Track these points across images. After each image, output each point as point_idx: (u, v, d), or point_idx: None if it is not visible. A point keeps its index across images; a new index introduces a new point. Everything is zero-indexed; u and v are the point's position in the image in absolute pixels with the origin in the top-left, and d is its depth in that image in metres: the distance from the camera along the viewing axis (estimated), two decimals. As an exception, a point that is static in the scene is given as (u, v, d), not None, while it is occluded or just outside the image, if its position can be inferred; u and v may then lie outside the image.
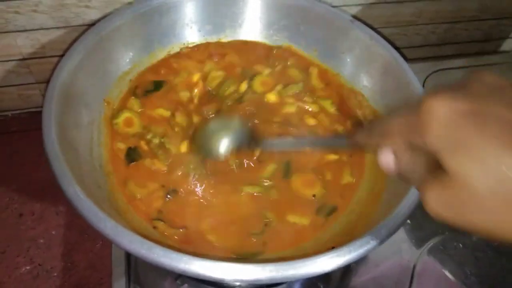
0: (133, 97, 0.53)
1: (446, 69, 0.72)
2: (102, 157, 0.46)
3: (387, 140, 0.28)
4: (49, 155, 0.37)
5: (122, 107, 0.52)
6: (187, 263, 0.32)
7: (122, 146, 0.49)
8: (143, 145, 0.49)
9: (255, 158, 0.48)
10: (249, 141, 0.46)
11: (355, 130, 0.33)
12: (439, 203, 0.24)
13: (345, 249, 0.34)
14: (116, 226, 0.33)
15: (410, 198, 0.38)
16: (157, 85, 0.54)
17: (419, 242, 0.53)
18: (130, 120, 0.51)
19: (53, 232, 0.55)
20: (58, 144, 0.38)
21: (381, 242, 0.35)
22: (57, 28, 0.57)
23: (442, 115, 0.24)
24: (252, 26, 0.59)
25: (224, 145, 0.45)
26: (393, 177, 0.29)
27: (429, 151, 0.25)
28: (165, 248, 0.32)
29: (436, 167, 0.24)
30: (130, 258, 0.48)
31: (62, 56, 0.47)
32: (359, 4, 0.66)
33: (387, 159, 0.28)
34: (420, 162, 0.26)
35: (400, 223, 0.37)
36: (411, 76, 0.48)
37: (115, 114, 0.51)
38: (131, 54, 0.54)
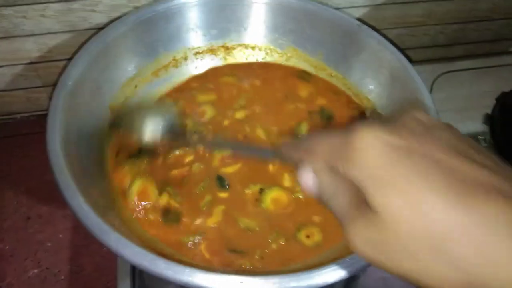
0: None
1: (455, 71, 0.71)
2: (106, 165, 0.46)
3: (309, 157, 0.26)
4: (53, 166, 0.37)
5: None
6: (190, 275, 0.32)
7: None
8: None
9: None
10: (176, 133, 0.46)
11: (283, 142, 0.30)
12: (363, 241, 0.22)
13: (348, 260, 0.34)
14: (119, 238, 0.33)
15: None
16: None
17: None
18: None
19: (61, 236, 0.55)
20: (62, 154, 0.38)
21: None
22: (64, 32, 0.58)
23: (373, 148, 0.22)
24: (257, 30, 0.59)
25: (151, 130, 0.44)
26: (314, 199, 0.27)
27: (352, 181, 0.23)
28: (168, 261, 0.32)
29: (359, 199, 0.23)
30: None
31: (69, 59, 0.47)
32: (367, 5, 0.66)
33: (306, 177, 0.26)
34: (342, 189, 0.24)
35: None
36: (419, 82, 0.47)
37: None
38: (136, 59, 0.54)
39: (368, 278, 0.51)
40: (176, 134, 0.46)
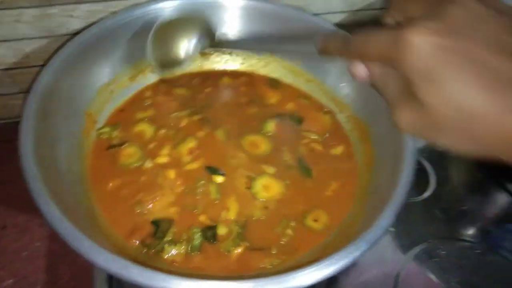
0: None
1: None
2: (82, 171, 0.46)
3: (363, 58, 0.30)
4: (25, 173, 0.37)
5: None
6: (164, 281, 0.32)
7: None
8: None
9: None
10: (210, 40, 0.46)
11: (327, 39, 0.34)
12: (408, 123, 0.28)
13: (324, 263, 0.35)
14: (92, 245, 0.33)
15: (389, 213, 0.39)
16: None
17: (403, 250, 0.54)
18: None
19: (37, 244, 0.55)
20: (35, 161, 0.38)
21: (361, 255, 0.35)
22: (41, 38, 0.57)
23: (419, 48, 0.25)
24: (234, 36, 0.59)
25: (184, 48, 0.45)
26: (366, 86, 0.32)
27: (403, 76, 0.27)
28: (141, 267, 0.32)
29: (405, 89, 0.27)
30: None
31: (43, 65, 0.47)
32: (345, 11, 0.66)
33: (358, 69, 0.31)
34: (392, 80, 0.28)
35: (380, 235, 0.37)
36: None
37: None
38: (112, 65, 0.54)
39: (349, 283, 0.51)
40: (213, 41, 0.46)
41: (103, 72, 0.53)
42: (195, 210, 0.47)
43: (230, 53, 0.61)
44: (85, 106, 0.50)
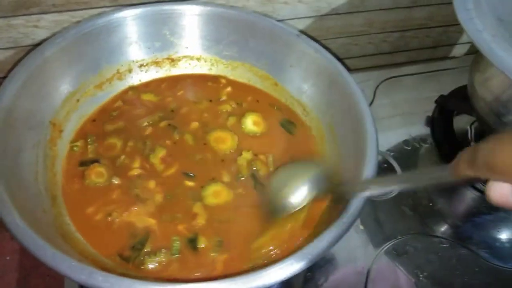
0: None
1: (397, 76, 0.74)
2: (47, 180, 0.46)
3: (498, 173, 0.24)
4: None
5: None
6: (129, 286, 0.32)
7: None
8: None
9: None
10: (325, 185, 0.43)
11: (455, 162, 0.27)
12: None
13: (287, 261, 0.35)
14: (55, 253, 0.33)
15: (353, 206, 0.39)
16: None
17: (373, 247, 0.55)
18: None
19: (8, 258, 0.54)
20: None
21: (323, 252, 0.36)
22: (6, 49, 0.57)
23: None
24: (201, 42, 0.60)
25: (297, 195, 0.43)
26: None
27: None
28: (105, 273, 0.32)
29: None
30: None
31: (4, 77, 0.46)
32: (311, 16, 0.68)
33: (500, 190, 0.24)
34: None
35: (342, 232, 0.38)
36: (355, 87, 0.49)
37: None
38: (77, 73, 0.53)
39: (323, 280, 0.52)
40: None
41: (68, 81, 0.53)
42: (175, 221, 0.47)
43: (198, 59, 0.61)
44: (50, 116, 0.50)
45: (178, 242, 0.45)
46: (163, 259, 0.43)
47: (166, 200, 0.48)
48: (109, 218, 0.46)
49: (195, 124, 0.55)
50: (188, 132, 0.54)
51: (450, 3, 0.50)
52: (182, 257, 0.44)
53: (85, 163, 0.50)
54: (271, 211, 0.46)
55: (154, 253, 0.44)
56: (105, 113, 0.55)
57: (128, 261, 0.43)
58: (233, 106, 0.58)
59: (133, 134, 0.53)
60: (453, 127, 0.66)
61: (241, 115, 0.56)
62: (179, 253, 0.44)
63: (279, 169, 0.50)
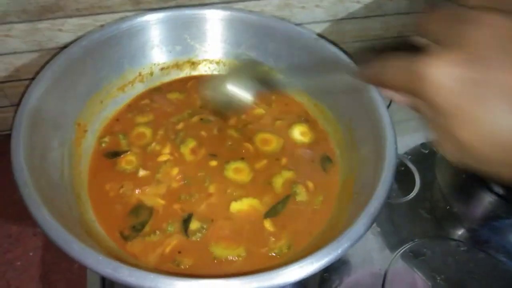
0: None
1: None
2: (72, 179, 0.47)
3: (382, 87, 0.29)
4: (18, 180, 0.38)
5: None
6: (153, 281, 0.33)
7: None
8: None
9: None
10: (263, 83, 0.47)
11: (359, 70, 0.32)
12: (454, 156, 0.25)
13: (307, 260, 0.36)
14: (83, 248, 0.34)
15: (371, 210, 0.40)
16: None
17: (389, 250, 0.55)
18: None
19: (31, 254, 0.55)
20: (27, 168, 0.38)
21: (342, 252, 0.37)
22: (31, 51, 0.58)
23: (438, 84, 0.23)
24: (221, 46, 0.61)
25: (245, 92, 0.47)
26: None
27: (433, 109, 0.24)
28: (131, 267, 0.33)
29: (445, 123, 0.24)
30: (105, 279, 0.48)
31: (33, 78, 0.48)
32: (328, 20, 0.68)
33: (389, 94, 0.30)
34: (424, 107, 0.25)
35: (361, 233, 0.38)
36: (373, 91, 0.50)
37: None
38: (101, 76, 0.55)
39: (339, 282, 0.52)
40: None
41: (92, 83, 0.54)
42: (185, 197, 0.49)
43: (217, 62, 0.62)
44: (75, 116, 0.51)
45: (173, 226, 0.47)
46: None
47: (183, 185, 0.50)
48: (121, 190, 0.48)
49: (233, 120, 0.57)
50: (229, 128, 0.56)
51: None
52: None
53: (115, 154, 0.52)
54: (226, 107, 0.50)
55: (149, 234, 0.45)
56: (130, 111, 0.57)
57: (127, 240, 0.45)
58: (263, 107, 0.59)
59: (164, 126, 0.55)
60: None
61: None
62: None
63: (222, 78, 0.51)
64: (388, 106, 0.68)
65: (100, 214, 0.47)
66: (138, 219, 0.47)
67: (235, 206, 0.49)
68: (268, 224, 0.48)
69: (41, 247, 0.55)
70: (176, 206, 0.48)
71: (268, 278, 0.35)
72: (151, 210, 0.48)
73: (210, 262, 0.44)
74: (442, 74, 0.23)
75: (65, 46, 0.57)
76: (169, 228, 0.46)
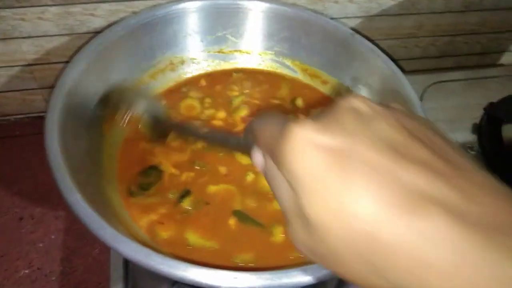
0: None
1: (444, 81, 0.73)
2: (102, 164, 0.47)
3: (256, 143, 0.25)
4: (52, 163, 0.38)
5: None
6: (184, 270, 0.32)
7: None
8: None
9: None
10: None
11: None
12: (299, 242, 0.22)
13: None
14: (115, 234, 0.34)
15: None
16: None
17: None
18: None
19: (53, 237, 0.55)
20: (60, 152, 0.38)
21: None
22: (62, 35, 0.58)
23: (301, 151, 0.20)
24: (253, 37, 0.60)
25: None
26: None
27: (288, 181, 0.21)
28: (163, 256, 0.33)
29: (294, 195, 0.21)
30: (128, 264, 0.48)
31: (66, 62, 0.48)
32: (360, 16, 0.67)
33: (255, 158, 0.26)
34: (284, 183, 0.22)
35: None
36: (409, 90, 0.49)
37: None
38: (134, 62, 0.55)
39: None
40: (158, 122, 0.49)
41: (124, 69, 0.54)
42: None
43: (248, 53, 0.62)
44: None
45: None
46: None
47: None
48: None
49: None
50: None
51: (504, 9, 0.48)
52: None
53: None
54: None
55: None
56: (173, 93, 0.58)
57: (131, 196, 0.47)
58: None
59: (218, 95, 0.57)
60: (501, 136, 0.64)
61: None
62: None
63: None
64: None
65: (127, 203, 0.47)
66: (147, 179, 0.48)
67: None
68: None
69: (63, 230, 0.56)
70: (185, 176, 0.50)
71: (297, 275, 0.34)
72: (160, 174, 0.49)
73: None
74: (304, 135, 0.20)
75: (97, 31, 0.58)
76: (170, 195, 0.48)
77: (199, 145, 0.52)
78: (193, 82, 0.60)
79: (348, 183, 0.19)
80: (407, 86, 0.49)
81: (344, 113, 0.21)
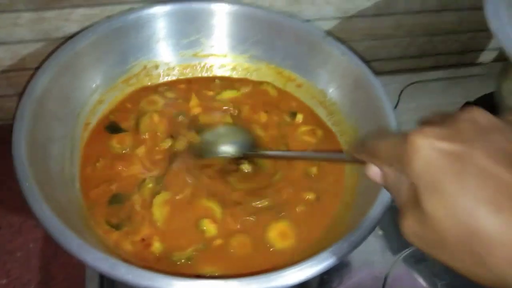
0: None
1: (423, 81, 0.73)
2: (74, 172, 0.47)
3: (374, 160, 0.30)
4: (18, 173, 0.38)
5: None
6: (150, 279, 0.32)
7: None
8: None
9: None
10: (248, 147, 0.50)
11: (351, 146, 0.35)
12: (411, 233, 0.25)
13: (307, 263, 0.35)
14: (81, 244, 0.33)
15: (373, 215, 0.39)
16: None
17: (391, 253, 0.54)
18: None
19: (31, 245, 0.55)
20: (28, 161, 0.38)
21: (344, 255, 0.36)
22: (37, 41, 0.58)
23: (424, 154, 0.24)
24: (227, 41, 0.60)
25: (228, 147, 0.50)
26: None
27: (410, 182, 0.25)
28: (128, 265, 0.33)
29: (415, 195, 0.25)
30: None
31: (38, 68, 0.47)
32: (338, 18, 0.67)
33: (373, 172, 0.30)
34: (403, 184, 0.26)
35: (363, 237, 0.38)
36: (380, 91, 0.49)
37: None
38: (106, 68, 0.54)
39: (339, 284, 0.52)
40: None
41: (97, 75, 0.53)
42: None
43: (224, 56, 0.62)
44: (78, 108, 0.51)
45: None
46: None
47: None
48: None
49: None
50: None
51: (480, 9, 0.49)
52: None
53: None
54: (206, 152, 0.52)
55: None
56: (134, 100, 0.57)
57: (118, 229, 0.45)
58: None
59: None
60: (478, 134, 0.65)
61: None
62: None
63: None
64: (395, 107, 0.67)
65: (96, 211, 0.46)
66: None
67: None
68: None
69: (42, 239, 0.55)
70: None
71: (267, 280, 0.34)
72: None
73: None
74: (427, 143, 0.24)
75: (72, 36, 0.57)
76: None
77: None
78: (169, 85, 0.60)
79: (463, 184, 0.23)
80: (379, 87, 0.49)
81: (465, 124, 0.25)
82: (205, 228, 0.46)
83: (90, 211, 0.45)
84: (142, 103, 0.56)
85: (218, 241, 0.45)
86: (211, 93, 0.59)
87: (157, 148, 0.52)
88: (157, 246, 0.44)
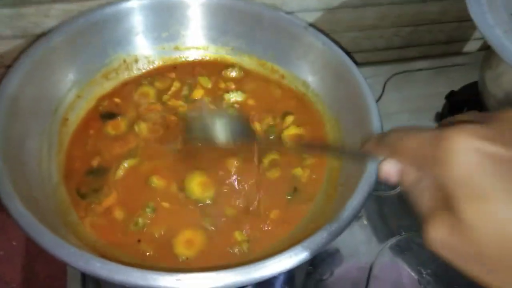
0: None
1: (408, 71, 0.73)
2: (51, 168, 0.46)
3: (397, 155, 0.26)
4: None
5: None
6: (125, 274, 0.32)
7: None
8: None
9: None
10: (245, 134, 0.49)
11: (366, 141, 0.31)
12: (441, 242, 0.23)
13: (286, 254, 0.35)
14: (54, 239, 0.33)
15: (355, 202, 0.39)
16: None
17: (377, 242, 0.54)
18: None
19: (14, 243, 0.55)
20: (2, 159, 0.38)
21: (322, 247, 0.36)
22: (16, 37, 0.57)
23: (464, 153, 0.22)
24: (207, 33, 0.59)
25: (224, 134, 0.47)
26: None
27: (441, 185, 0.23)
28: (104, 260, 0.32)
29: (442, 199, 0.23)
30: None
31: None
32: (321, 9, 0.67)
33: (389, 168, 0.27)
34: (427, 186, 0.24)
35: (342, 227, 0.38)
36: (362, 82, 0.49)
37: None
38: (84, 63, 0.54)
39: (324, 273, 0.52)
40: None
41: (74, 70, 0.53)
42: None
43: (205, 48, 0.61)
44: (56, 104, 0.50)
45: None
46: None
47: None
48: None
49: None
50: None
51: (463, -1, 0.49)
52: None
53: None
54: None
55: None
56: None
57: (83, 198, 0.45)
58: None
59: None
60: (462, 124, 0.65)
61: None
62: None
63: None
64: (378, 100, 0.67)
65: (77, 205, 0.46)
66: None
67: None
68: None
69: (24, 237, 0.55)
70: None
71: (247, 272, 0.34)
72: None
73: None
74: (469, 142, 0.22)
75: (49, 32, 0.56)
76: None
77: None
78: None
79: (506, 190, 0.20)
80: (360, 77, 0.49)
81: (505, 124, 0.23)
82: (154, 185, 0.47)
83: (66, 179, 0.46)
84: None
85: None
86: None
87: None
88: (119, 213, 0.45)
